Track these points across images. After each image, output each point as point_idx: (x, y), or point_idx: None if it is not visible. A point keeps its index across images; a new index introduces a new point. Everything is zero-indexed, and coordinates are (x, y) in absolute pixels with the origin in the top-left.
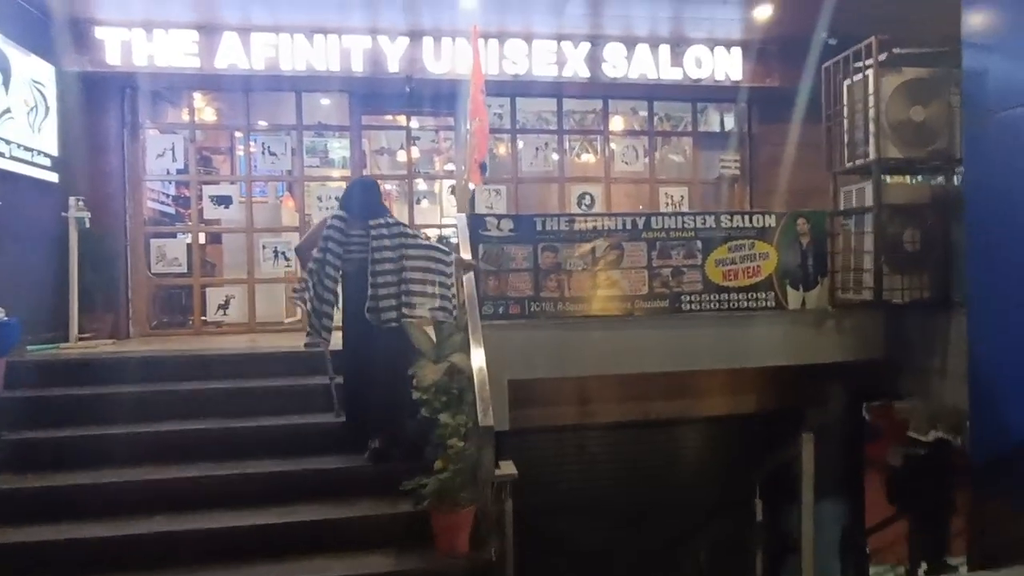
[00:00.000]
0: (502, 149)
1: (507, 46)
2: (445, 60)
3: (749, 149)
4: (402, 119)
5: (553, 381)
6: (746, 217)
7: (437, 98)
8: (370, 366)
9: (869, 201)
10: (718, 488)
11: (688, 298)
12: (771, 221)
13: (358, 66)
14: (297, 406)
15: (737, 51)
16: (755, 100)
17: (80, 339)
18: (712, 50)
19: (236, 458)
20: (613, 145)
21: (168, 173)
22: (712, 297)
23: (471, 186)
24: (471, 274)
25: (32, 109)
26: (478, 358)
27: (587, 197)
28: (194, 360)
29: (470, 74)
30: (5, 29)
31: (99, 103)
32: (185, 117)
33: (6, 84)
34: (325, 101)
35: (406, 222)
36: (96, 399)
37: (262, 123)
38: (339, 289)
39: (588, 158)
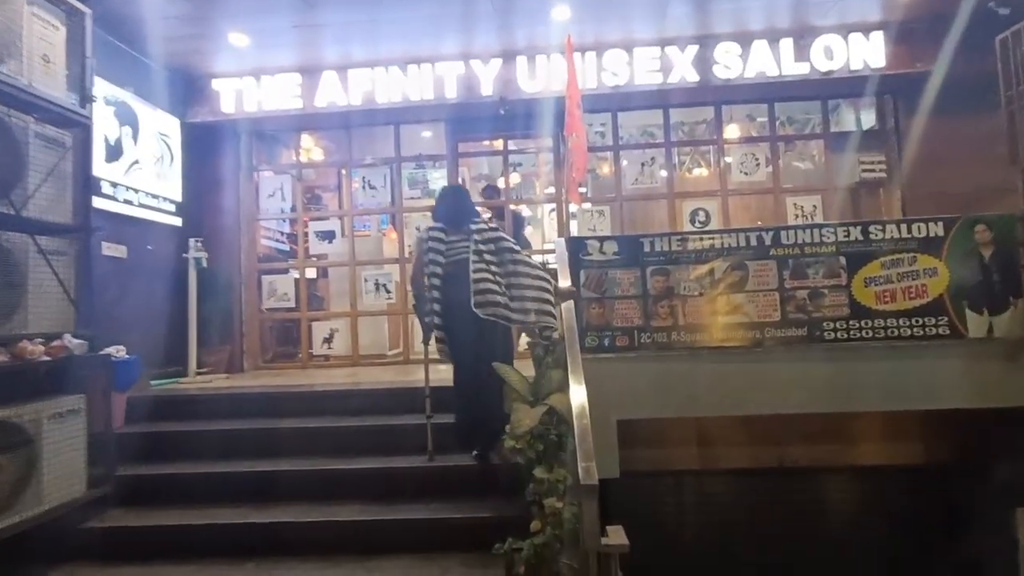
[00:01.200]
0: (605, 168)
1: (605, 57)
2: (539, 78)
3: (896, 147)
4: (498, 143)
5: (669, 421)
6: (903, 226)
7: (531, 118)
8: (476, 367)
9: None
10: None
11: (831, 325)
12: (938, 230)
13: (451, 92)
14: (393, 447)
15: (877, 35)
16: (901, 90)
17: (198, 373)
18: (845, 38)
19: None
20: (729, 156)
21: (280, 212)
22: (863, 323)
23: (572, 207)
24: (571, 303)
25: (159, 160)
26: (579, 399)
27: (700, 213)
28: (297, 396)
29: (565, 89)
30: (135, 87)
31: (216, 149)
32: (292, 157)
33: (135, 137)
34: (426, 133)
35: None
36: (201, 435)
37: (363, 159)
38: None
39: (700, 172)
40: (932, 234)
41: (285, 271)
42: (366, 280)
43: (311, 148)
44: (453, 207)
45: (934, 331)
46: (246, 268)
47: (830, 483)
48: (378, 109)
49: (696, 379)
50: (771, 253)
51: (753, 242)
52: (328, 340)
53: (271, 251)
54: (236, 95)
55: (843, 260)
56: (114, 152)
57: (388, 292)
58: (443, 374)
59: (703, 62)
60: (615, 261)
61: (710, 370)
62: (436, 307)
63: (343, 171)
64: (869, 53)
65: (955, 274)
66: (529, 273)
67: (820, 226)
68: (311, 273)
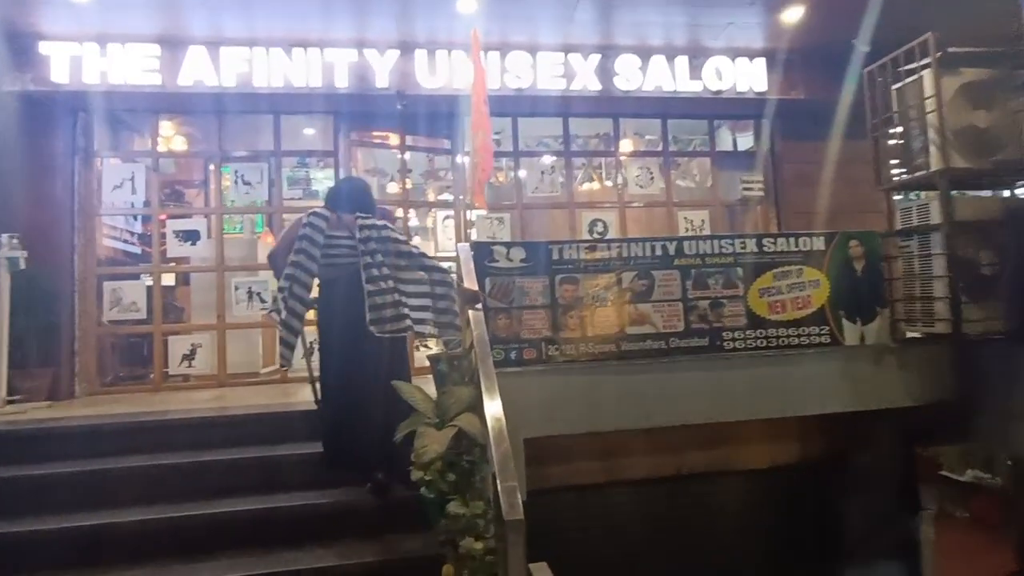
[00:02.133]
0: (501, 177)
1: (509, 58)
2: (440, 74)
3: (773, 168)
4: (393, 140)
5: (574, 435)
6: (791, 239)
7: (431, 116)
8: (363, 386)
9: (934, 218)
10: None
11: (730, 335)
12: (820, 244)
13: (342, 82)
14: (268, 482)
15: (760, 62)
16: (780, 115)
17: (9, 401)
18: (733, 60)
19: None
20: (625, 170)
21: (131, 207)
22: (758, 333)
23: (472, 215)
24: (481, 314)
25: None
26: (496, 419)
27: (599, 224)
28: (139, 428)
29: (470, 87)
30: None
31: (43, 127)
32: (147, 144)
33: None
34: (309, 131)
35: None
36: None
37: (237, 151)
38: (308, 298)
39: (592, 186)
40: (815, 247)
41: (135, 276)
42: (237, 288)
43: (172, 136)
44: (345, 191)
45: (818, 339)
46: (81, 272)
47: (722, 486)
48: (257, 94)
49: (605, 392)
50: (675, 263)
51: (659, 252)
52: (189, 357)
53: (116, 253)
54: (72, 63)
55: (740, 271)
56: None
57: (263, 301)
58: None
59: (605, 72)
60: (523, 268)
61: (618, 382)
62: (296, 305)
63: (211, 164)
64: (753, 78)
65: (835, 285)
66: (420, 276)
67: (720, 237)
68: (169, 280)
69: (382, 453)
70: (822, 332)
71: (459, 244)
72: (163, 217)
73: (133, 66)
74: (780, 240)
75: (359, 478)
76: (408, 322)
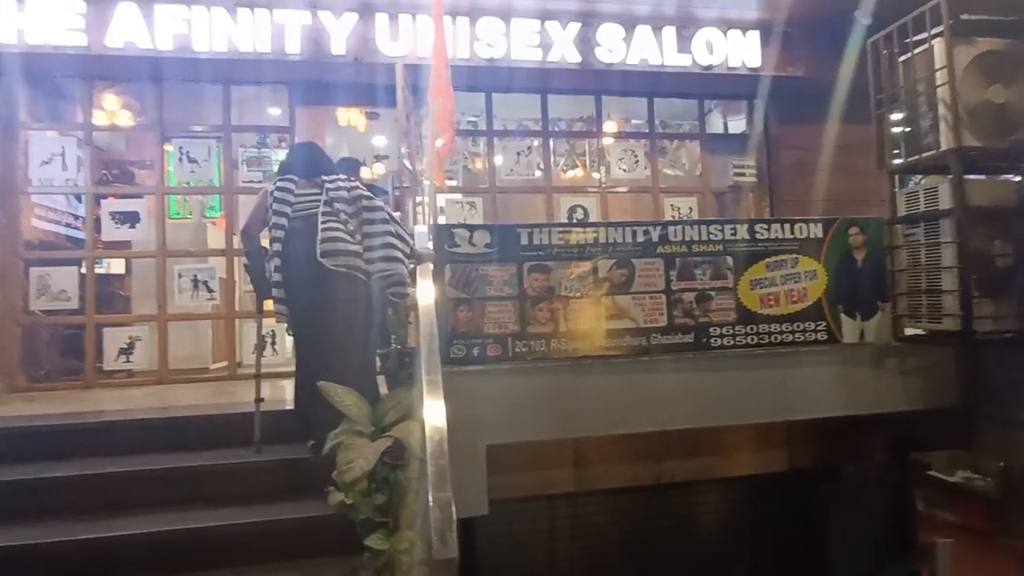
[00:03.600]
0: (478, 163)
1: (480, 24)
2: (403, 40)
3: (767, 153)
4: (353, 115)
5: (544, 441)
6: (786, 226)
7: (392, 87)
8: (323, 334)
9: (944, 204)
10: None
11: (718, 331)
12: (817, 231)
13: (294, 47)
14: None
15: (754, 35)
16: (775, 95)
17: None
18: (725, 33)
19: None
20: (608, 153)
21: (65, 184)
22: (748, 329)
23: (441, 199)
24: (427, 307)
25: None
26: (436, 423)
27: (579, 210)
28: (51, 433)
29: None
30: None
31: None
32: (80, 115)
33: None
34: (275, 110)
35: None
36: None
37: (183, 125)
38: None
39: (575, 173)
40: (813, 235)
41: (74, 262)
42: (180, 275)
43: (115, 110)
44: (304, 157)
45: (814, 336)
46: (2, 255)
47: (705, 496)
48: (199, 60)
49: (577, 394)
50: (658, 251)
51: (640, 237)
52: (126, 351)
53: (57, 238)
54: None
55: (730, 260)
56: None
57: (210, 291)
58: (282, 393)
59: (585, 43)
60: (487, 255)
61: (593, 383)
62: (276, 261)
63: (154, 140)
64: (746, 52)
65: (832, 277)
66: (378, 221)
67: (708, 222)
68: (117, 266)
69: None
70: (819, 328)
71: (416, 227)
72: (99, 196)
73: (55, 24)
74: (774, 226)
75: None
76: (354, 259)
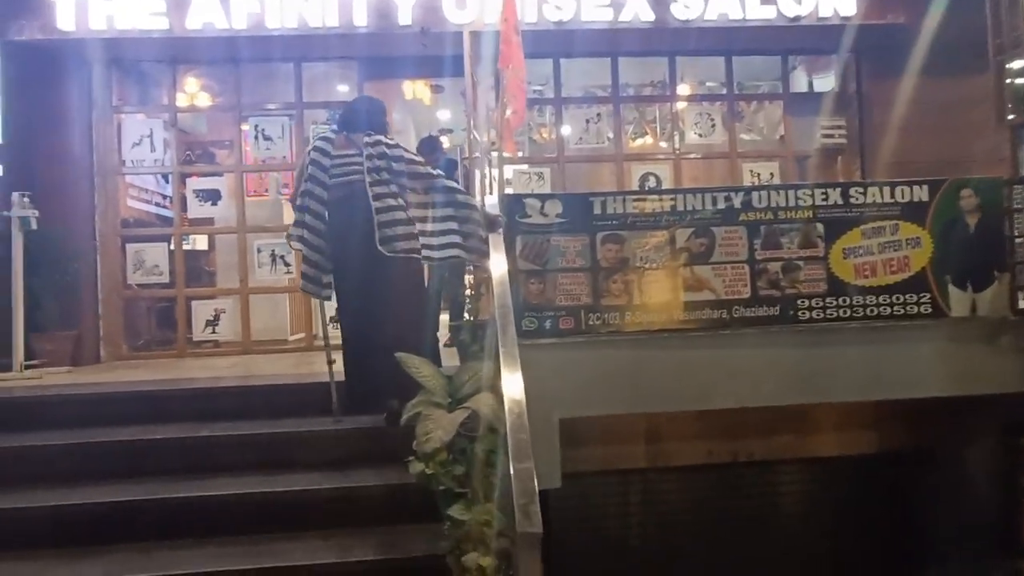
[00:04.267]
0: (544, 133)
1: None
2: (470, 6)
3: (859, 112)
4: (418, 87)
5: (617, 416)
6: (885, 189)
7: (461, 58)
8: (375, 311)
9: None
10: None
11: (806, 303)
12: (923, 194)
13: (361, 19)
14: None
15: None
16: (869, 47)
17: (28, 366)
18: None
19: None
20: (682, 117)
21: (155, 164)
22: (840, 301)
23: (508, 171)
24: (502, 279)
25: None
26: (515, 396)
27: (651, 178)
28: (152, 398)
29: (501, 13)
30: None
31: (57, 79)
32: (165, 98)
33: None
34: (342, 87)
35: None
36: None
37: (259, 103)
38: (322, 226)
39: (645, 140)
40: (916, 199)
41: (164, 239)
42: (259, 251)
43: (196, 91)
44: (355, 109)
45: (915, 309)
46: (103, 233)
47: (784, 476)
48: (271, 38)
49: (653, 368)
50: (740, 218)
51: (720, 204)
52: (212, 323)
53: (144, 215)
54: (78, 8)
55: (820, 228)
56: None
57: (287, 265)
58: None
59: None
60: (559, 225)
61: (670, 357)
62: (308, 236)
63: (234, 120)
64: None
65: (939, 245)
66: (448, 196)
67: (796, 187)
68: (202, 242)
69: (394, 381)
70: (922, 300)
71: (487, 197)
72: (185, 176)
73: (139, 9)
74: (872, 190)
75: (376, 410)
76: (414, 242)
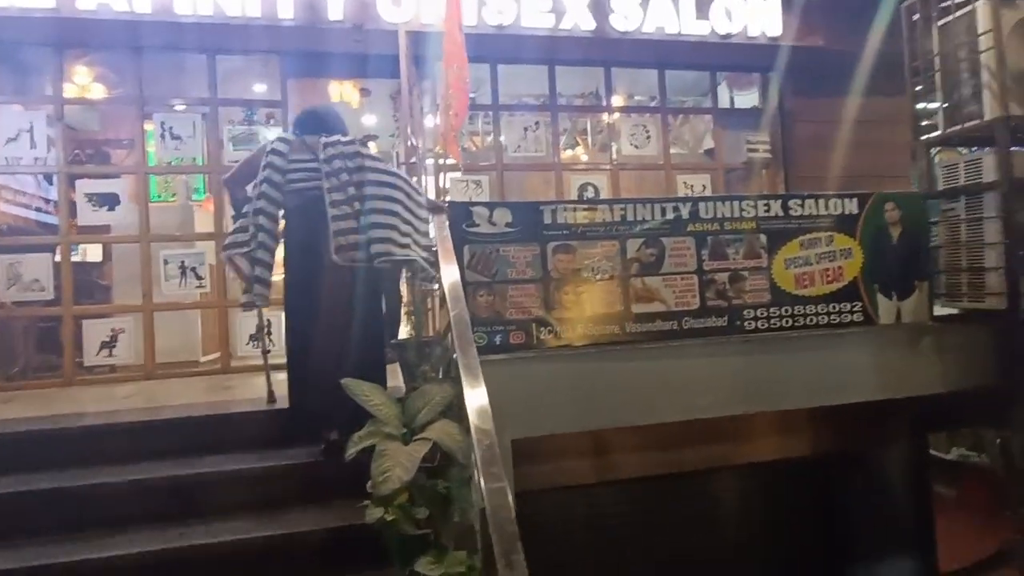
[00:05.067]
0: (477, 141)
1: None
2: (406, 5)
3: (782, 128)
4: (346, 89)
5: (566, 433)
6: (820, 201)
7: (395, 56)
8: (326, 325)
9: (988, 176)
10: None
11: (751, 313)
12: (853, 207)
13: (287, 12)
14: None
15: (776, 1)
16: (793, 66)
17: None
18: None
19: None
20: (617, 129)
21: (33, 163)
22: (783, 311)
23: (445, 178)
24: (455, 289)
25: None
26: (482, 429)
27: (590, 188)
28: (28, 441)
29: (444, 12)
30: None
31: None
32: (48, 87)
33: None
34: (260, 87)
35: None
36: None
37: (162, 99)
38: (278, 232)
39: (578, 151)
40: (847, 211)
41: (40, 248)
42: (167, 262)
43: (88, 82)
44: (311, 113)
45: (849, 318)
46: None
47: (722, 483)
48: (181, 24)
49: (605, 382)
50: (688, 228)
51: (669, 215)
52: (109, 345)
53: (21, 220)
54: None
55: (763, 238)
56: None
57: (199, 278)
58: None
59: (599, 8)
60: (509, 235)
61: (621, 370)
62: (262, 252)
63: (132, 114)
64: (767, 20)
65: (868, 255)
66: (390, 195)
67: (740, 198)
68: (95, 253)
69: (345, 409)
70: (855, 309)
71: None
72: (84, 179)
73: None
74: (808, 202)
75: (315, 438)
76: (380, 248)
